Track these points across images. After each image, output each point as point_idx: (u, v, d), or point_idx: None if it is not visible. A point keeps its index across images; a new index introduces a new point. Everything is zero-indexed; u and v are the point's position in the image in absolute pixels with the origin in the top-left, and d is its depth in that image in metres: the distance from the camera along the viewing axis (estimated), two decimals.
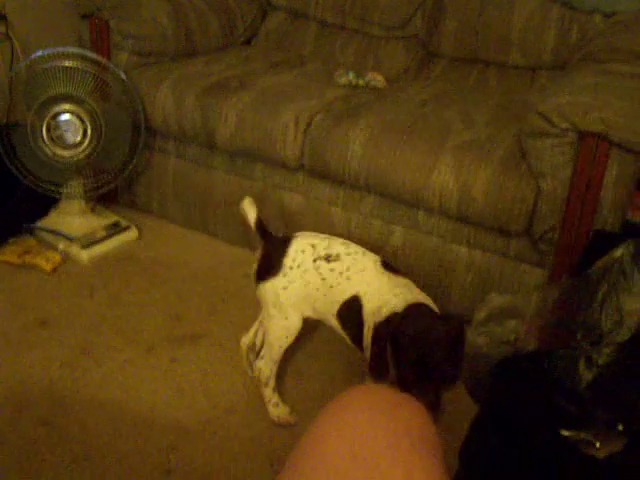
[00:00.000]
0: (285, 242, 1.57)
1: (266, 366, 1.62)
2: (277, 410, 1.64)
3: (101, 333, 1.91)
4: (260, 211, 1.62)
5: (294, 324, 1.57)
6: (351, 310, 1.49)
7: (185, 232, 2.46)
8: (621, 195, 1.67)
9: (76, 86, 2.13)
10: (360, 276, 1.50)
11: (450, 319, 1.38)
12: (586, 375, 1.24)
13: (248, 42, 2.84)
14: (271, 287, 1.55)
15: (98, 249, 2.29)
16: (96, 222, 2.37)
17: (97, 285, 2.13)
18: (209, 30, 2.60)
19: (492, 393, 1.31)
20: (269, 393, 1.65)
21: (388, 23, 2.60)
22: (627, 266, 1.28)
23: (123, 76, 2.24)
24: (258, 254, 1.61)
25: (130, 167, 2.30)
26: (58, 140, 2.14)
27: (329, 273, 1.52)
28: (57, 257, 2.21)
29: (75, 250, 2.26)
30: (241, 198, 1.63)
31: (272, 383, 1.64)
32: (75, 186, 2.29)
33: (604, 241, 1.48)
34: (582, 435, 1.16)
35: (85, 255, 2.25)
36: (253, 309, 1.75)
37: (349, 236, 2.07)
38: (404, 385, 1.31)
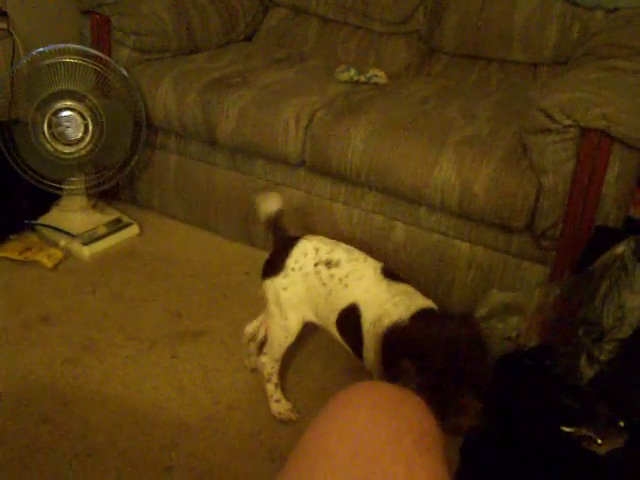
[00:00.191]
0: (291, 243, 1.56)
1: (268, 362, 1.63)
2: (279, 406, 1.64)
3: (102, 329, 1.91)
4: (279, 210, 1.61)
5: (293, 326, 1.56)
6: (350, 318, 1.46)
7: (186, 228, 2.46)
8: (623, 191, 1.67)
9: (77, 82, 2.13)
10: (358, 284, 1.47)
11: (463, 317, 1.36)
12: (588, 371, 1.24)
13: (249, 38, 2.83)
14: (272, 286, 1.55)
15: (99, 245, 2.29)
16: (97, 219, 2.37)
17: (98, 281, 2.13)
18: (210, 26, 2.60)
19: (494, 389, 1.31)
20: (271, 389, 1.65)
21: (389, 19, 2.60)
22: (629, 262, 1.28)
23: (124, 72, 2.24)
24: (270, 251, 1.61)
25: (131, 163, 2.30)
26: (59, 136, 2.13)
27: (329, 279, 1.50)
28: (59, 253, 2.21)
29: (76, 246, 2.26)
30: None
31: (274, 379, 1.64)
32: (76, 183, 2.29)
33: (606, 237, 1.48)
34: (583, 431, 1.16)
35: (86, 251, 2.25)
36: (255, 306, 1.75)
37: (351, 232, 2.07)
38: (437, 394, 1.15)
